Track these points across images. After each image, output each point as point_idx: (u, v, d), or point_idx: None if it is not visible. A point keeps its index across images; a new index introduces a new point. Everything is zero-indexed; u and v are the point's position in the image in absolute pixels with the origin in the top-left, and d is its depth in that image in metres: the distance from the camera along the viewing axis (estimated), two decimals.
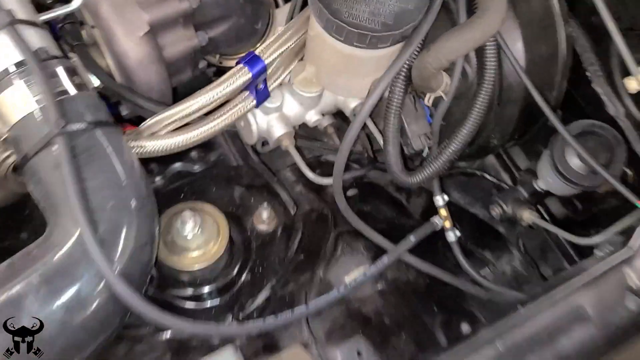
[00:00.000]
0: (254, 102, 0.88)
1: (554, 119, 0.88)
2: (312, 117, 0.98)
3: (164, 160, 1.23)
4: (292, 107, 0.96)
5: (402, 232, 1.06)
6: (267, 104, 0.92)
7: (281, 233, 1.00)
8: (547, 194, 1.03)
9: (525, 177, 1.04)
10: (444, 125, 0.98)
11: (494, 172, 1.30)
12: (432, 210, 1.04)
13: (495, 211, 1.05)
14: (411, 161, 1.06)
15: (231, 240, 0.95)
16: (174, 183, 1.20)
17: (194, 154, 1.23)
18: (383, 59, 0.85)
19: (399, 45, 0.83)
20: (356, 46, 0.79)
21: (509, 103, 0.96)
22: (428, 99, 0.92)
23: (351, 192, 1.11)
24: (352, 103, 0.99)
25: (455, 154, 0.94)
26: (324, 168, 1.19)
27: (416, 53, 0.85)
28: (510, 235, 1.23)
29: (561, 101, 1.01)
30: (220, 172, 1.06)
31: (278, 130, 0.94)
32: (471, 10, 0.86)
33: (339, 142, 1.21)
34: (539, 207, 1.17)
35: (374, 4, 0.78)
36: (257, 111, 0.94)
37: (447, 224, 1.01)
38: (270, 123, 0.95)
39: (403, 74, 0.87)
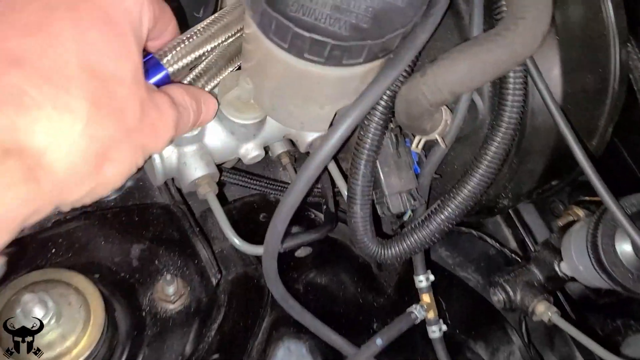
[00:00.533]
0: None
1: (602, 191, 0.59)
2: (249, 152, 0.68)
3: None
4: (217, 137, 0.65)
5: (368, 315, 0.77)
6: None
7: (193, 314, 0.69)
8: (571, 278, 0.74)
9: (544, 254, 0.75)
10: (436, 178, 0.69)
11: (493, 228, 1.01)
12: (411, 281, 0.75)
13: (498, 297, 0.76)
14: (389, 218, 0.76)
15: (114, 326, 0.64)
16: (70, 213, 0.90)
17: None
18: (352, 82, 0.54)
19: (377, 62, 0.52)
20: (309, 59, 0.49)
21: (532, 153, 0.67)
22: (417, 144, 0.63)
23: (303, 252, 0.81)
24: (309, 136, 0.69)
25: (450, 222, 0.64)
26: (272, 210, 0.89)
27: (404, 76, 0.55)
28: (508, 313, 0.94)
29: (601, 154, 0.72)
30: (117, 216, 0.75)
31: (193, 170, 0.64)
32: (492, 17, 0.57)
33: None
34: None
35: None
36: None
37: (431, 315, 0.72)
38: (182, 159, 0.64)
39: (383, 104, 0.57)
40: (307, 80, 0.53)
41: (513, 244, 1.02)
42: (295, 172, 0.91)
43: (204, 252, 0.74)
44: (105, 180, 0.39)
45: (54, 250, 0.69)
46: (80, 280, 0.62)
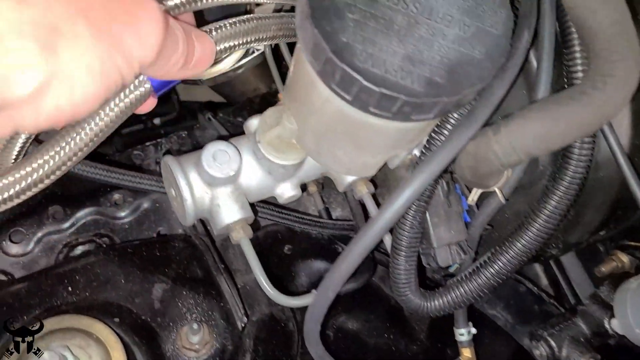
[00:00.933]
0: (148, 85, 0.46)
1: None
2: (285, 192, 0.63)
3: (75, 199, 0.88)
4: (254, 176, 0.60)
5: None
6: (211, 169, 0.57)
7: None
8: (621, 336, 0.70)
9: (592, 309, 0.70)
10: (487, 230, 0.64)
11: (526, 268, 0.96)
12: (447, 327, 0.71)
13: (541, 351, 0.71)
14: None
15: None
16: (82, 236, 0.85)
17: (117, 196, 0.88)
18: (412, 132, 0.49)
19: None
20: (373, 114, 0.44)
21: (591, 206, 0.62)
22: (473, 196, 0.58)
23: None
24: (350, 177, 0.64)
25: (501, 277, 0.60)
26: (298, 244, 0.84)
27: None
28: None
29: None
30: (138, 250, 0.70)
31: (228, 214, 0.59)
32: (569, 71, 0.52)
33: (323, 206, 0.86)
34: None
35: (413, 42, 0.43)
36: (195, 178, 0.58)
37: None
38: (216, 200, 0.59)
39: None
40: (365, 131, 0.48)
41: (544, 282, 0.97)
42: (323, 201, 0.86)
43: (229, 292, 0.69)
44: (65, 68, 0.32)
45: (70, 288, 0.64)
46: (101, 329, 0.58)
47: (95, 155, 0.99)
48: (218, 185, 0.58)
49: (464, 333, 0.67)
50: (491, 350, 0.85)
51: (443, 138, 0.52)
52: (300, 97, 0.53)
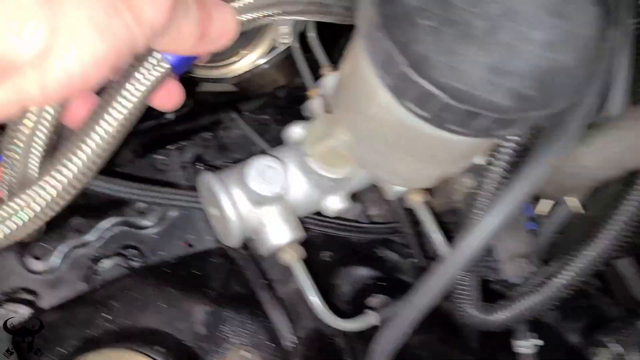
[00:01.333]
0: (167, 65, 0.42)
1: None
2: (333, 205, 0.58)
3: (97, 209, 0.84)
4: (301, 190, 0.56)
5: None
6: (259, 188, 0.52)
7: None
8: None
9: None
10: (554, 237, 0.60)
11: None
12: (500, 334, 0.67)
13: (606, 357, 0.67)
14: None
15: None
16: (109, 249, 0.81)
17: (142, 204, 0.84)
18: (485, 144, 0.45)
19: None
20: (452, 131, 0.39)
21: None
22: (544, 208, 0.53)
23: (378, 303, 0.72)
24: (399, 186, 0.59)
25: (571, 289, 0.56)
26: (339, 250, 0.80)
27: None
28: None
29: None
30: (176, 272, 0.66)
31: (277, 234, 0.54)
32: None
33: (361, 209, 0.82)
34: None
35: (498, 50, 0.38)
36: (241, 196, 0.54)
37: None
38: (263, 220, 0.54)
39: (507, 158, 0.48)
40: (433, 145, 0.43)
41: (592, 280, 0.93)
42: (362, 203, 0.82)
43: (276, 313, 0.65)
44: (69, 21, 0.29)
45: (107, 316, 0.60)
46: None
47: (115, 162, 0.96)
48: (265, 204, 0.54)
49: (525, 345, 0.63)
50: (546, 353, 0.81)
51: (514, 145, 0.47)
52: (355, 107, 0.48)
